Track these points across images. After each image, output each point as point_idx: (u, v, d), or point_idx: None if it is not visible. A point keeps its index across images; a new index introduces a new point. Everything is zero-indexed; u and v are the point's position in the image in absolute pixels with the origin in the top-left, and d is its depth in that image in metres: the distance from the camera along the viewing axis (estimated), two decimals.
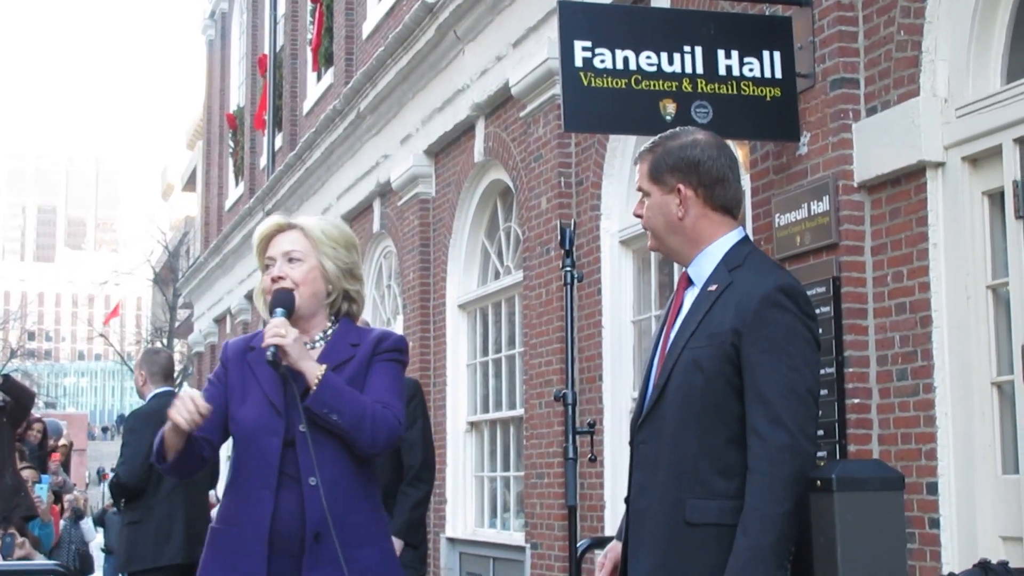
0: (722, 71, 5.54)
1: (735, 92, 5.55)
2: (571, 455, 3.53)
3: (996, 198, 4.92)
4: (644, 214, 3.20)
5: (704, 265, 3.12)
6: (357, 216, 13.37)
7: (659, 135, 3.24)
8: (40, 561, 7.35)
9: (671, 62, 5.51)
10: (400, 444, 5.89)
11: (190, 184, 34.70)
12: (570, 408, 3.58)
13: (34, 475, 9.22)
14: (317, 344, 3.52)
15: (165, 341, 40.75)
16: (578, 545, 4.14)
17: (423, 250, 11.04)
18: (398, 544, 5.77)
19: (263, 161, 18.50)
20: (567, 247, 3.92)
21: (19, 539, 7.51)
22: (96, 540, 16.02)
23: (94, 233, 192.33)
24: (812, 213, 5.51)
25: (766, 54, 5.60)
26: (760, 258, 3.12)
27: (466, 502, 10.41)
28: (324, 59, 15.20)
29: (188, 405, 3.31)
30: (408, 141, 11.38)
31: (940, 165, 5.07)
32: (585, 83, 5.42)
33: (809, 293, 5.21)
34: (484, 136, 9.79)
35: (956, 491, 4.90)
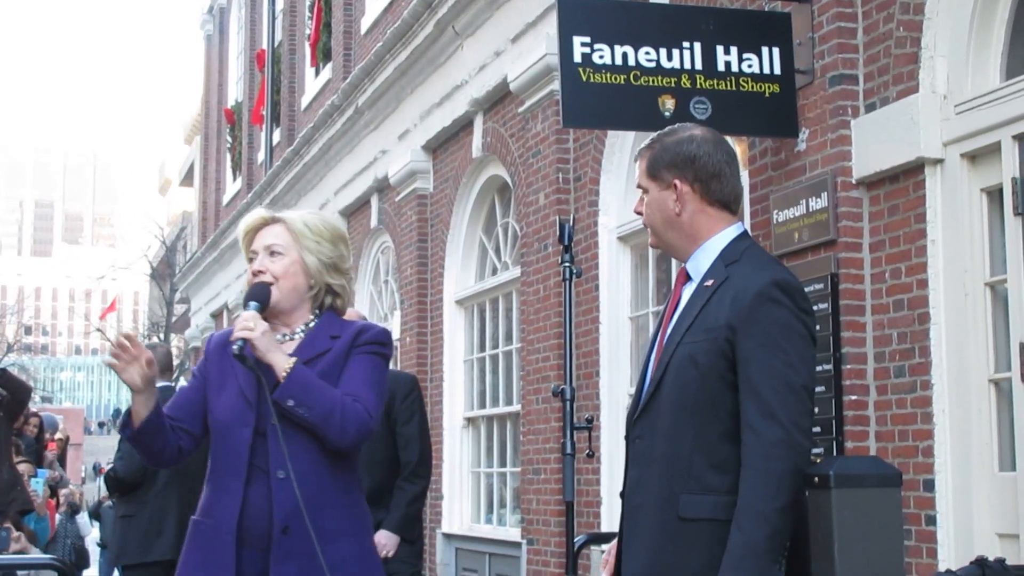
0: (721, 67, 5.54)
1: (734, 88, 5.54)
2: (569, 451, 3.52)
3: (995, 195, 4.92)
4: (644, 211, 3.20)
5: (702, 260, 3.11)
6: (355, 211, 13.37)
7: (657, 132, 3.24)
8: (36, 555, 7.33)
9: (670, 58, 5.50)
10: (396, 440, 5.93)
11: (188, 179, 34.69)
12: (568, 404, 3.57)
13: (30, 469, 9.20)
14: (296, 336, 3.51)
15: (162, 336, 40.74)
16: (575, 541, 4.13)
17: (421, 246, 11.03)
18: (394, 540, 5.78)
19: (261, 156, 18.48)
20: (566, 243, 3.91)
21: (15, 533, 7.49)
22: (92, 534, 16.02)
23: (91, 228, 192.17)
24: (810, 209, 5.50)
25: (765, 50, 5.60)
26: (758, 253, 3.12)
27: (462, 498, 10.41)
28: (322, 54, 15.19)
29: (116, 343, 3.37)
30: (406, 137, 11.37)
31: (939, 162, 5.07)
32: (584, 79, 5.41)
33: (807, 289, 5.21)
34: (482, 132, 9.78)
35: (953, 488, 4.90)
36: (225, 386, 3.47)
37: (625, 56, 5.46)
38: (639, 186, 3.22)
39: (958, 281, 4.95)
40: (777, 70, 5.60)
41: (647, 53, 5.49)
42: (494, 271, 10.17)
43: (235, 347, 3.34)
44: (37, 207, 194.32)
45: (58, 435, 12.25)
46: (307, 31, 16.02)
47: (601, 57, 5.45)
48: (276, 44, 18.08)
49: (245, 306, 3.44)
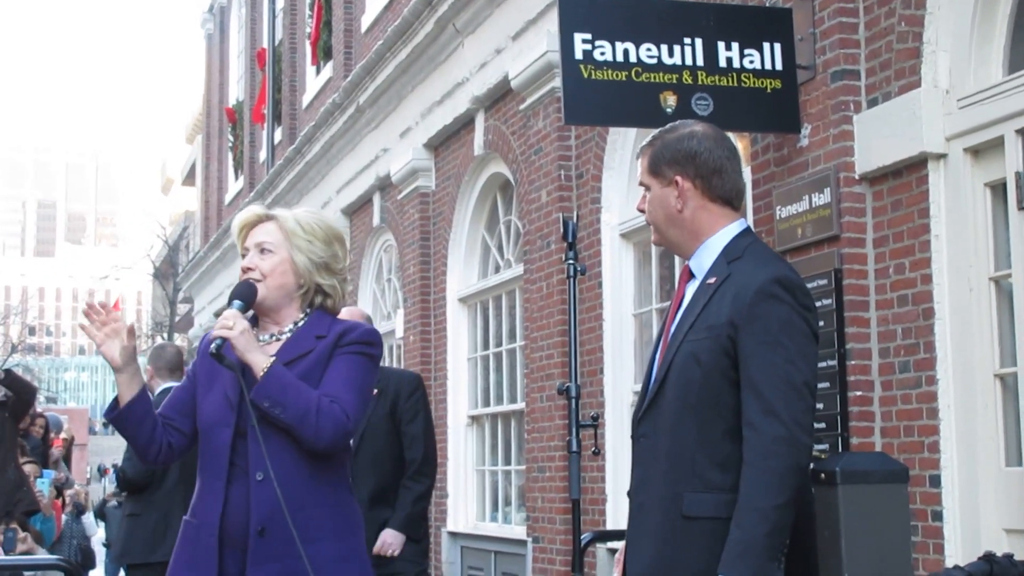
0: (722, 63, 5.54)
1: (736, 84, 5.54)
2: (574, 448, 3.52)
3: (998, 189, 4.91)
4: (646, 208, 3.20)
5: (704, 258, 3.11)
6: (357, 210, 13.36)
7: (658, 129, 3.24)
8: (42, 556, 7.34)
9: (671, 54, 5.50)
10: (401, 438, 5.92)
11: (189, 178, 34.70)
12: (573, 401, 3.57)
13: (36, 470, 9.21)
14: (284, 336, 3.50)
15: (166, 336, 40.75)
16: (581, 539, 4.13)
17: (423, 244, 11.03)
18: (400, 539, 5.78)
19: (263, 155, 18.49)
20: (569, 240, 3.91)
21: (21, 534, 7.51)
22: (98, 535, 16.03)
23: (94, 228, 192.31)
24: (813, 205, 5.50)
25: (766, 46, 5.59)
26: (760, 249, 3.11)
27: (467, 496, 10.41)
28: (323, 53, 15.18)
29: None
30: (408, 134, 11.36)
31: (942, 156, 5.06)
32: (585, 75, 5.41)
33: (810, 285, 5.23)
34: (484, 129, 9.78)
35: (959, 484, 4.89)
36: (212, 387, 3.46)
37: (626, 53, 5.46)
38: (641, 183, 3.22)
39: (962, 276, 4.94)
40: (779, 66, 5.59)
41: (648, 49, 5.48)
42: (497, 269, 10.17)
43: (212, 346, 3.33)
44: (39, 207, 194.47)
45: (63, 435, 12.26)
46: (308, 29, 16.01)
47: (602, 54, 5.44)
48: (277, 43, 18.07)
49: (229, 304, 3.42)
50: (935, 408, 4.97)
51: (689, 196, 3.11)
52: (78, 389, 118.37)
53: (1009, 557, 3.23)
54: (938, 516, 4.92)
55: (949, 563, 4.71)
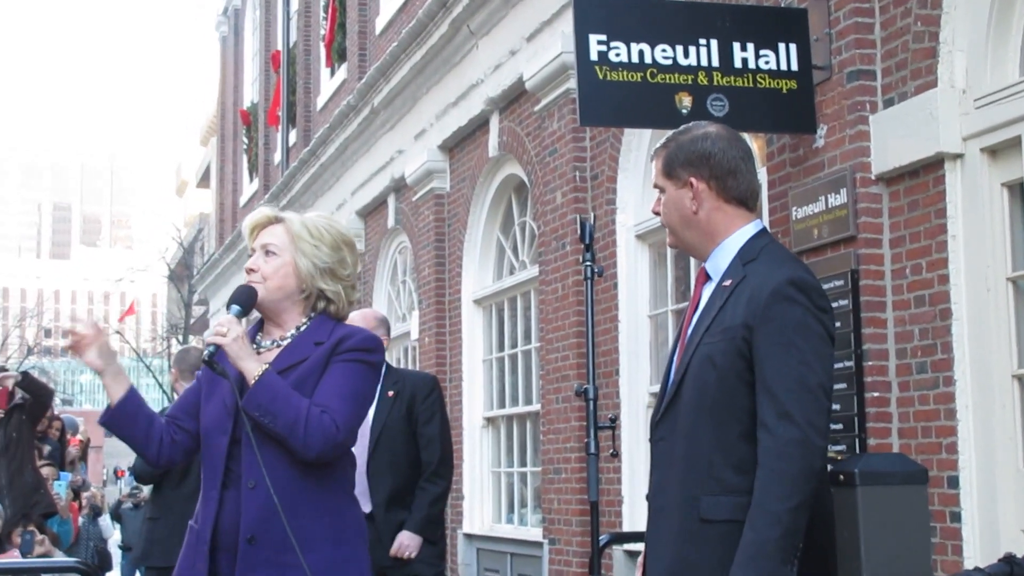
0: (738, 64, 5.53)
1: (751, 85, 5.53)
2: (592, 450, 3.51)
3: (1015, 189, 4.90)
4: (661, 210, 3.19)
5: (720, 259, 3.10)
6: (372, 212, 13.38)
7: (672, 131, 3.23)
8: (60, 558, 7.37)
9: (687, 55, 5.49)
10: (418, 440, 5.93)
11: (204, 180, 34.79)
12: (591, 403, 3.56)
13: (54, 473, 9.24)
14: (284, 342, 3.47)
15: (181, 338, 40.84)
16: (599, 540, 4.13)
17: (438, 245, 11.03)
18: (416, 541, 5.78)
19: (277, 157, 18.52)
20: (587, 241, 3.90)
21: (39, 536, 7.53)
22: (114, 537, 16.07)
23: (109, 230, 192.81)
24: (830, 206, 5.48)
25: (782, 46, 5.59)
26: (775, 251, 3.10)
27: (483, 498, 10.41)
28: (337, 55, 15.21)
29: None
30: (422, 136, 11.37)
31: (959, 156, 5.04)
32: (600, 76, 5.41)
33: (827, 286, 5.22)
34: (498, 131, 9.78)
35: (977, 484, 4.87)
36: (214, 393, 3.45)
37: (642, 54, 5.45)
38: (656, 186, 3.21)
39: (980, 276, 4.92)
40: (794, 66, 5.58)
41: (664, 50, 5.48)
42: (512, 270, 10.17)
43: (205, 353, 3.31)
44: (55, 210, 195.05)
45: (79, 436, 12.30)
46: (322, 32, 16.04)
47: (617, 55, 5.44)
48: (291, 45, 18.11)
49: (227, 308, 3.40)
50: (952, 409, 4.95)
51: (704, 197, 3.10)
52: (94, 391, 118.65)
53: None
54: (956, 517, 4.91)
55: (968, 565, 4.69)
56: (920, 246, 5.15)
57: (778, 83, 5.57)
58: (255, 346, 3.47)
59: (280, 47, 18.52)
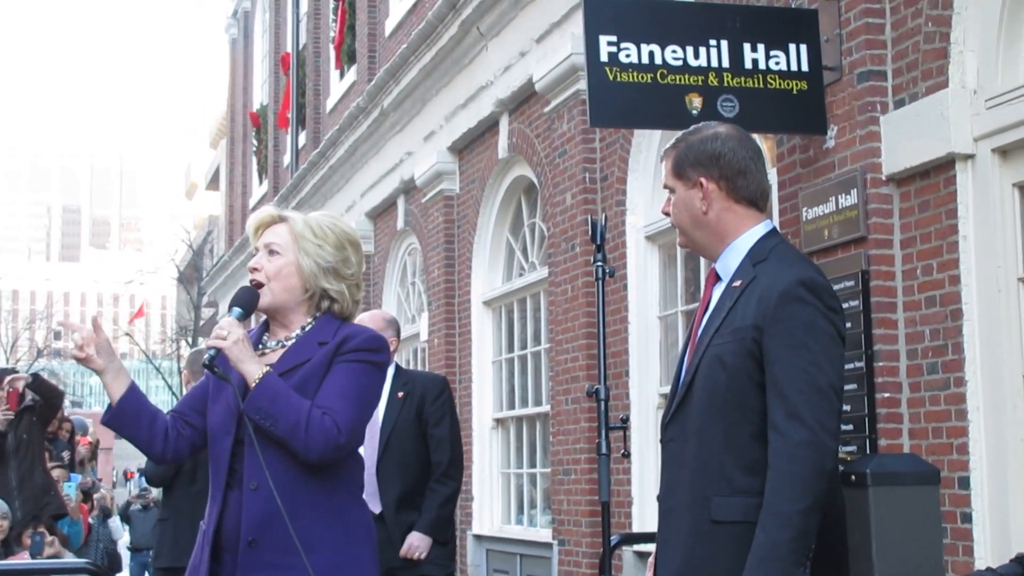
0: (748, 64, 5.52)
1: (761, 86, 5.52)
2: (604, 451, 3.51)
3: None
4: (671, 211, 3.19)
5: (730, 260, 3.10)
6: (381, 213, 13.39)
7: (682, 132, 3.23)
8: (70, 559, 7.38)
9: (697, 56, 5.49)
10: (428, 441, 5.93)
11: (214, 183, 34.82)
12: (603, 404, 3.55)
13: (64, 475, 9.27)
14: (289, 342, 3.44)
15: (190, 340, 40.90)
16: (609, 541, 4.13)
17: (448, 247, 11.04)
18: (426, 542, 5.78)
19: (287, 159, 18.54)
20: (598, 242, 3.89)
21: (49, 537, 7.56)
22: (123, 538, 16.09)
23: (119, 232, 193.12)
24: (840, 207, 5.48)
25: (792, 47, 5.58)
26: (785, 251, 3.09)
27: (492, 499, 10.41)
28: (347, 57, 15.22)
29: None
30: (432, 138, 11.38)
31: (970, 157, 5.03)
32: (611, 78, 5.41)
33: (837, 287, 5.21)
34: (508, 132, 9.78)
35: (988, 485, 4.86)
36: (220, 394, 3.43)
37: (652, 55, 5.45)
38: (666, 186, 3.21)
39: (991, 277, 4.91)
40: (805, 67, 5.57)
41: (674, 51, 5.47)
42: (521, 272, 10.17)
43: (206, 357, 3.29)
44: (64, 212, 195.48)
45: (88, 438, 12.32)
46: (331, 34, 16.05)
47: (627, 56, 5.43)
48: (301, 47, 18.13)
49: (229, 311, 3.38)
50: (964, 410, 4.94)
51: (714, 198, 3.10)
52: (103, 394, 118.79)
53: None
54: (967, 518, 4.90)
55: (979, 565, 4.68)
56: (931, 247, 5.14)
57: (788, 84, 5.56)
58: (261, 347, 3.47)
59: (289, 49, 18.55)
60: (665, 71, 5.45)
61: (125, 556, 16.77)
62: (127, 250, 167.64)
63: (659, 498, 3.14)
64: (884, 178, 5.35)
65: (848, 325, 4.72)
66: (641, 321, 7.86)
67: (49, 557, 7.35)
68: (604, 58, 5.40)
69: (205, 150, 45.72)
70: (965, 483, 4.91)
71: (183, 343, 44.67)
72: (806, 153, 5.81)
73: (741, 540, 2.85)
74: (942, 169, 5.10)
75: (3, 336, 74.61)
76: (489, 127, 10.21)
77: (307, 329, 3.45)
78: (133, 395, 3.40)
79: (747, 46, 5.53)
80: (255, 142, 21.94)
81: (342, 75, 15.69)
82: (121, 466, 50.05)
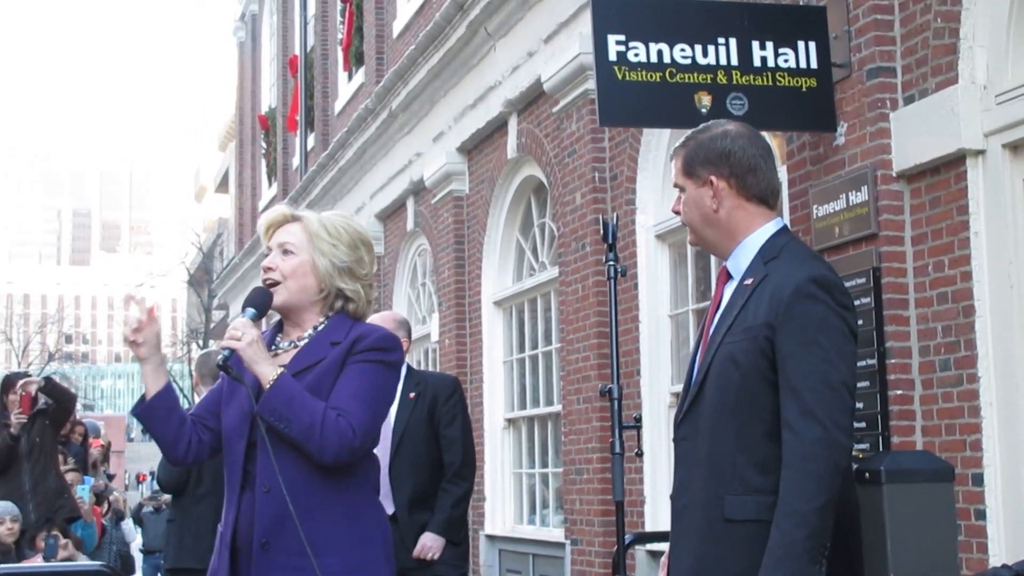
0: (757, 62, 5.52)
1: (771, 83, 5.52)
2: (617, 450, 3.50)
3: None
4: (681, 209, 3.19)
5: (742, 258, 3.10)
6: (391, 214, 13.40)
7: (691, 130, 3.23)
8: (84, 562, 7.40)
9: (705, 54, 5.49)
10: (440, 442, 5.93)
11: (223, 186, 34.86)
12: (616, 403, 3.55)
13: (78, 478, 9.28)
14: (302, 342, 3.43)
15: (201, 343, 40.97)
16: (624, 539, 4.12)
17: (458, 247, 11.04)
18: (439, 542, 5.78)
19: (296, 161, 18.56)
20: (610, 241, 3.89)
21: (62, 540, 7.57)
22: (136, 541, 16.12)
23: (128, 236, 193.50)
24: (851, 204, 5.47)
25: (801, 44, 5.57)
26: (797, 248, 3.09)
27: (505, 499, 10.42)
28: (355, 58, 15.23)
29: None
30: (441, 139, 11.39)
31: (980, 153, 5.02)
32: (619, 77, 5.41)
33: (849, 284, 5.20)
34: (517, 132, 9.79)
35: (1002, 482, 4.85)
36: (234, 396, 3.43)
37: (660, 53, 5.45)
38: (676, 185, 3.21)
39: (1003, 273, 4.90)
40: (814, 64, 5.57)
41: (682, 50, 5.47)
42: (531, 271, 10.17)
43: (220, 358, 3.28)
44: (75, 216, 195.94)
45: (100, 440, 12.33)
46: (339, 36, 16.07)
47: (636, 55, 5.43)
48: (309, 49, 18.15)
49: (243, 311, 3.37)
50: (977, 406, 4.93)
51: (724, 196, 3.09)
52: (115, 396, 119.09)
53: None
54: (981, 515, 4.89)
55: (994, 562, 4.67)
56: (942, 243, 5.13)
57: (798, 81, 5.55)
58: (274, 347, 3.46)
59: (297, 52, 18.57)
60: (674, 70, 5.45)
61: (138, 559, 16.81)
62: (137, 253, 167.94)
63: (672, 497, 3.14)
64: (894, 175, 5.34)
65: (860, 322, 4.71)
66: (652, 320, 7.86)
67: (63, 560, 7.36)
68: (613, 57, 5.40)
69: (214, 153, 45.79)
70: (979, 480, 4.90)
71: (194, 346, 44.76)
72: (816, 150, 5.81)
73: (754, 539, 2.84)
74: (952, 165, 5.09)
75: (15, 340, 74.80)
76: (498, 127, 10.22)
77: (320, 329, 3.43)
78: (169, 393, 3.41)
79: (756, 44, 5.52)
80: (264, 145, 21.96)
81: (350, 77, 15.70)
82: (133, 469, 50.17)
